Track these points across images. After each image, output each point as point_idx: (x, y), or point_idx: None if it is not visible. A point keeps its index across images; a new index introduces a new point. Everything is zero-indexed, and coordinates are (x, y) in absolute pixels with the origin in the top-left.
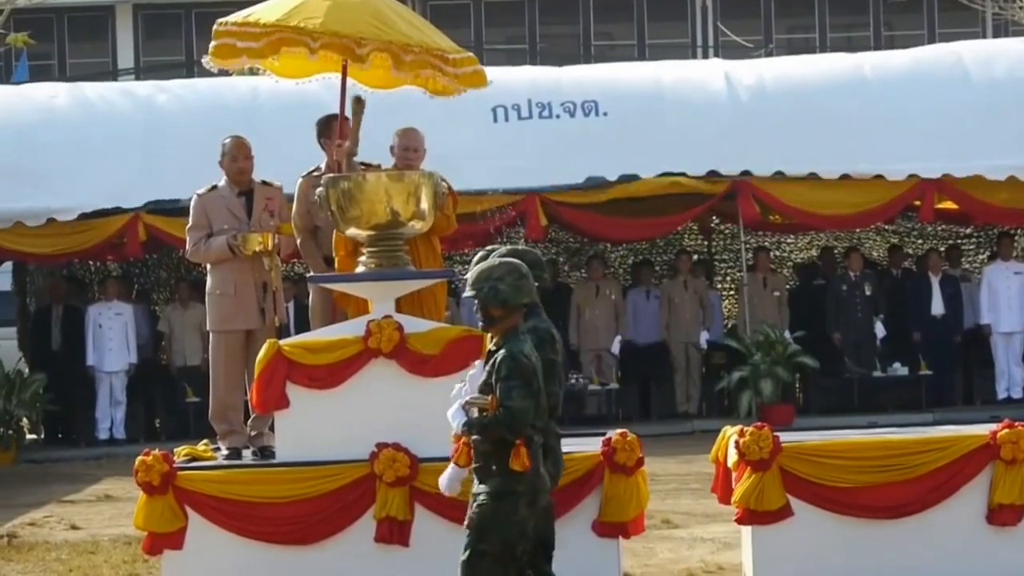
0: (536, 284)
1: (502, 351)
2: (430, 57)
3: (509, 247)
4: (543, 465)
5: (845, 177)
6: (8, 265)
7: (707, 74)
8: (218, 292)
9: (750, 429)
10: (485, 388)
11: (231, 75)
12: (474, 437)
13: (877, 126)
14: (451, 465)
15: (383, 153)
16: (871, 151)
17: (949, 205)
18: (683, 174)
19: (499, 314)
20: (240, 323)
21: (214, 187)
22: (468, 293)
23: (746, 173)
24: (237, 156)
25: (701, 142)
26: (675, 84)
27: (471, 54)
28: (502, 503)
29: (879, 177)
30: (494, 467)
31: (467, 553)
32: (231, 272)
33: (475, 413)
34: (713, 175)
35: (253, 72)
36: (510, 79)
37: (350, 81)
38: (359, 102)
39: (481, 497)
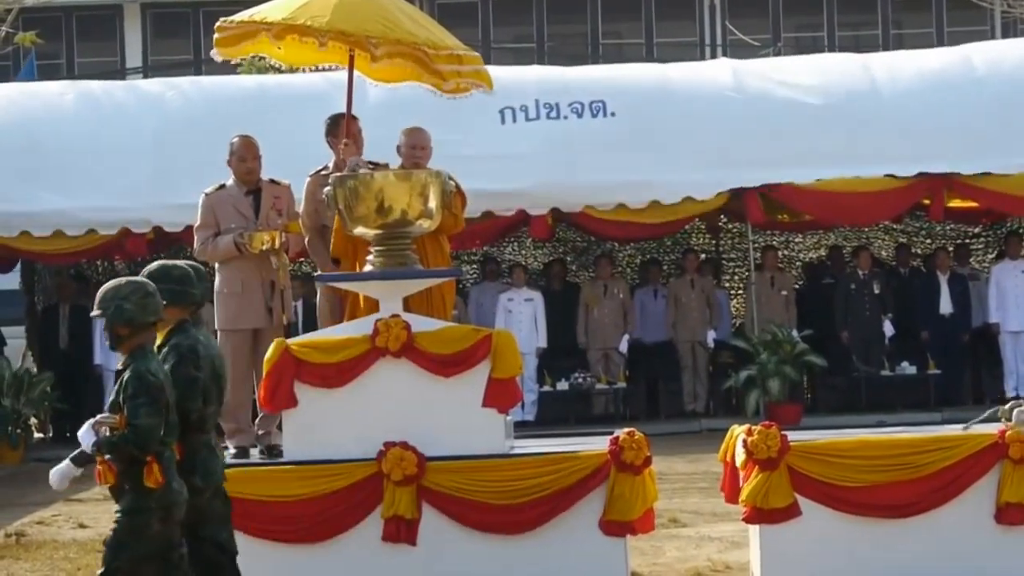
0: (186, 300)
1: (128, 370)
2: (442, 63)
3: (160, 263)
4: (176, 480)
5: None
6: (16, 264)
7: (715, 73)
8: (226, 291)
9: (758, 428)
10: (114, 407)
11: (237, 71)
12: (107, 456)
13: (886, 126)
14: (66, 460)
15: (390, 153)
16: (880, 151)
17: (958, 204)
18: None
19: (125, 333)
20: (247, 322)
21: (222, 186)
22: (95, 313)
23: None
24: (245, 156)
25: (709, 142)
26: (683, 83)
27: (476, 53)
28: (134, 520)
29: (889, 176)
30: (127, 486)
31: (100, 572)
32: (238, 271)
33: (105, 432)
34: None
35: (260, 70)
36: (518, 80)
37: (357, 76)
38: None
39: (116, 515)
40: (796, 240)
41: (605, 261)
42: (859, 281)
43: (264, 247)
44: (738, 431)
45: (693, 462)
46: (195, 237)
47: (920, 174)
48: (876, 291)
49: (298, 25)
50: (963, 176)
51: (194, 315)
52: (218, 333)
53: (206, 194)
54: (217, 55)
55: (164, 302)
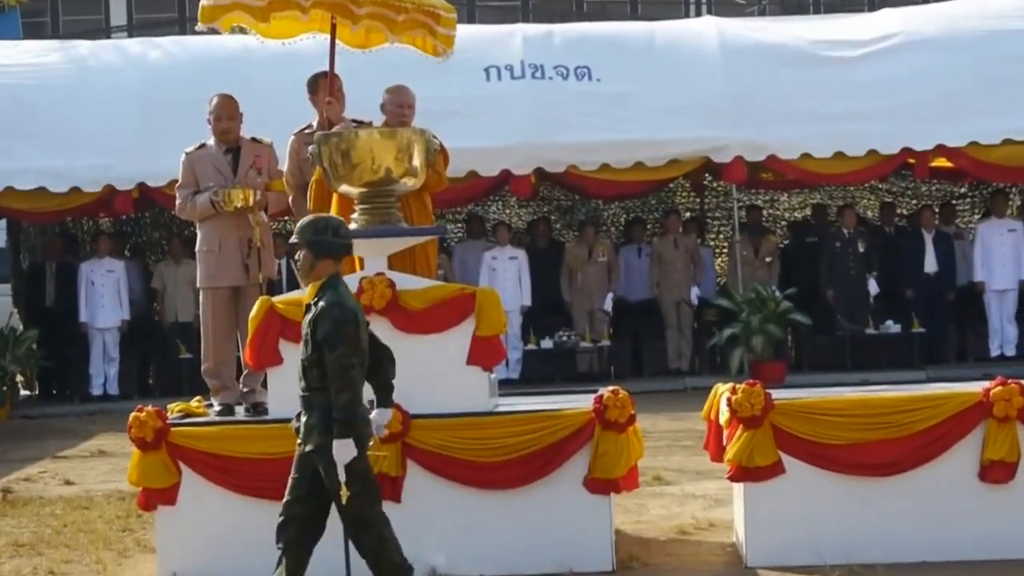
0: None
1: None
2: (421, 15)
3: None
4: None
5: (839, 154)
6: (2, 222)
7: (700, 35)
8: (205, 249)
9: (742, 386)
10: None
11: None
12: None
13: (869, 86)
14: None
15: (373, 111)
16: (863, 111)
17: (943, 163)
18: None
19: None
20: (224, 279)
21: (203, 145)
22: None
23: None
24: (221, 115)
25: (693, 108)
26: (668, 43)
27: (455, 16)
28: None
29: (872, 152)
30: None
31: None
32: (216, 229)
33: None
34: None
35: (242, 31)
36: (503, 38)
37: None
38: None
39: None
40: (781, 199)
41: (590, 227)
42: (844, 239)
43: (239, 205)
44: (722, 389)
45: (677, 420)
46: (176, 195)
47: (904, 149)
48: (861, 249)
49: None
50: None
51: None
52: (200, 291)
53: (186, 153)
54: (201, 25)
55: None
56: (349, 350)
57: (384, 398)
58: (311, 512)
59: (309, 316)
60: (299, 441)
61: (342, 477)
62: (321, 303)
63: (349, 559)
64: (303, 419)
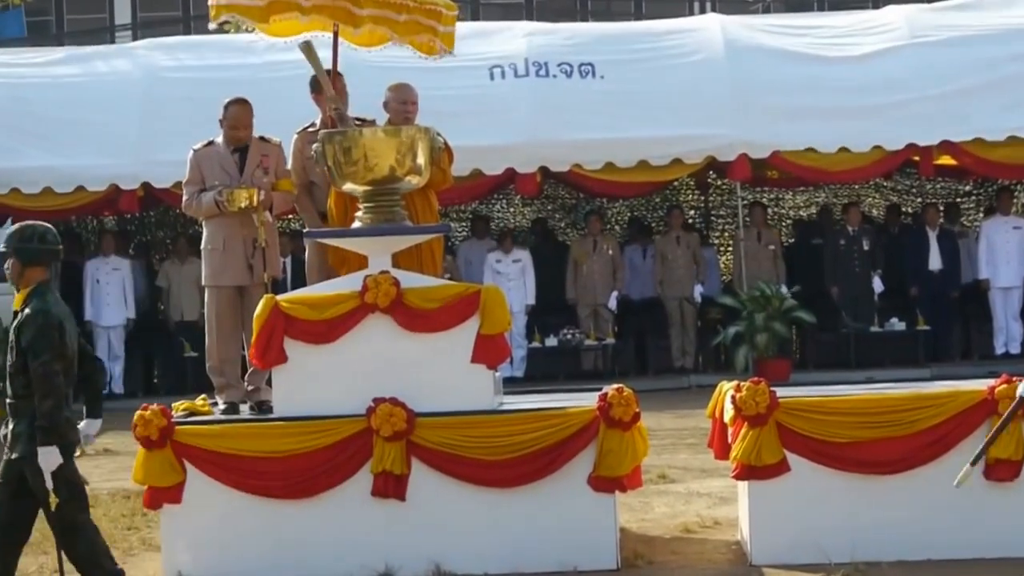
0: None
1: None
2: (423, 16)
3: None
4: None
5: (843, 150)
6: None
7: (704, 32)
8: (210, 247)
9: (747, 384)
10: None
11: (225, 29)
12: None
13: (874, 84)
14: None
15: (377, 109)
16: (868, 110)
17: (948, 161)
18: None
19: None
20: (229, 278)
21: (211, 143)
22: None
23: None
24: (237, 125)
25: (697, 106)
26: (672, 44)
27: (455, 13)
28: None
29: (877, 148)
30: None
31: None
32: (221, 228)
33: None
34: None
35: (247, 29)
36: (507, 37)
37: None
38: (308, 47)
39: None
40: (786, 197)
41: (595, 218)
42: (849, 237)
43: (243, 205)
44: (727, 387)
45: (682, 418)
46: (183, 192)
47: (909, 146)
48: (866, 247)
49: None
50: (952, 144)
51: None
52: (205, 289)
53: (194, 150)
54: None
55: None
56: (52, 357)
57: (94, 408)
58: (15, 517)
59: (15, 323)
60: (7, 448)
61: (49, 484)
62: (27, 310)
63: (62, 566)
64: (10, 426)
